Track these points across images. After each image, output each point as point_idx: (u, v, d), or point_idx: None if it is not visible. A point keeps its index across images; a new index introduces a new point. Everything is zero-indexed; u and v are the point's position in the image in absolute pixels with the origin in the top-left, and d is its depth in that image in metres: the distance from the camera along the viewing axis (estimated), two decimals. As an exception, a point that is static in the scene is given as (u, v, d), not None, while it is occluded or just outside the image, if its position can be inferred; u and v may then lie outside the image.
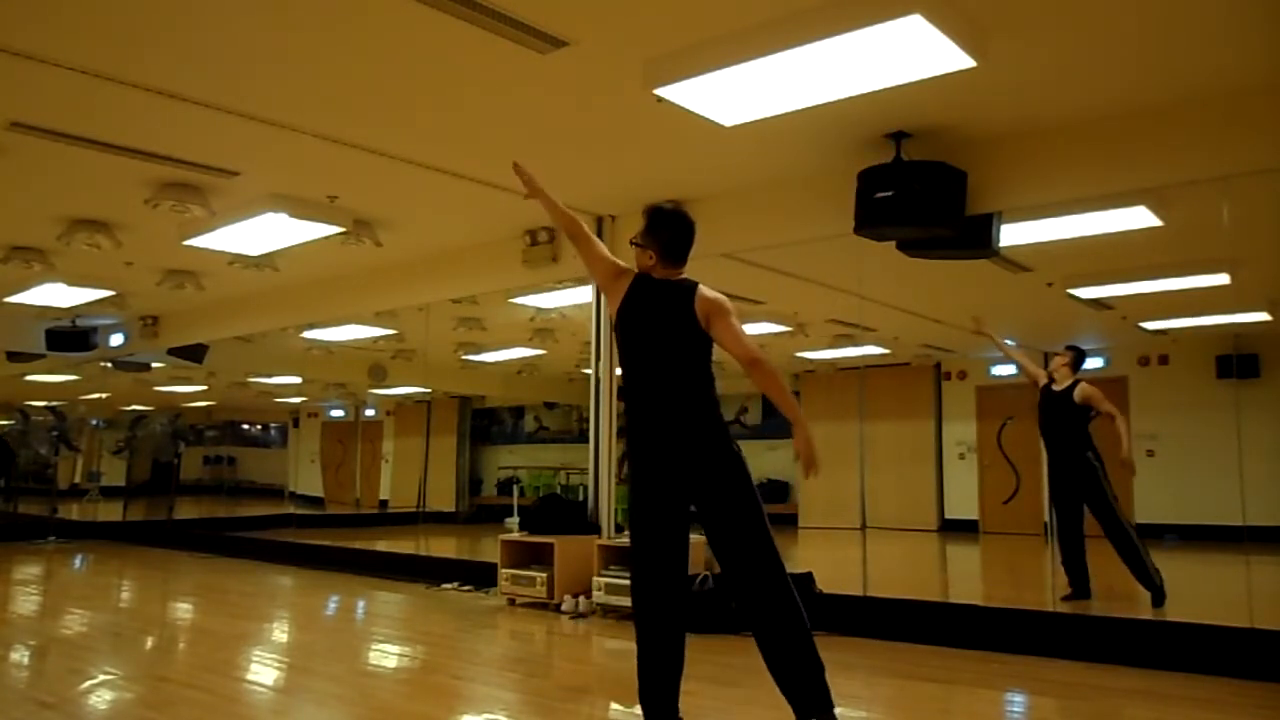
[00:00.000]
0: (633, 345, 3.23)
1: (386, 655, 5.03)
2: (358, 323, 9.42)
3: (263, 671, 4.56)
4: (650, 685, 3.06)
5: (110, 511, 13.61)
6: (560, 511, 6.42)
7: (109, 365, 11.28)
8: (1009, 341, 6.63)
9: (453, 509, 15.10)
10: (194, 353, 10.08)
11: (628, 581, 5.69)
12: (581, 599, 5.94)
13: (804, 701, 2.94)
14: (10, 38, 3.78)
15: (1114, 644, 4.53)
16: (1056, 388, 6.14)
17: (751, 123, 4.31)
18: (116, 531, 12.27)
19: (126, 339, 10.31)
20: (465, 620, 5.90)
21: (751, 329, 9.44)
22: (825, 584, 5.60)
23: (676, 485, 3.10)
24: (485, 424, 16.59)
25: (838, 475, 12.56)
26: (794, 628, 2.97)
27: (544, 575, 6.08)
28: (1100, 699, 3.99)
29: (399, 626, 6.01)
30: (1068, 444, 6.06)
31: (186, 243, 6.38)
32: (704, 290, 3.20)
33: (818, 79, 3.82)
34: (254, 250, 6.71)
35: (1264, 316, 8.33)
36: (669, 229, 3.27)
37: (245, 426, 19.57)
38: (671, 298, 3.19)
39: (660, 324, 3.18)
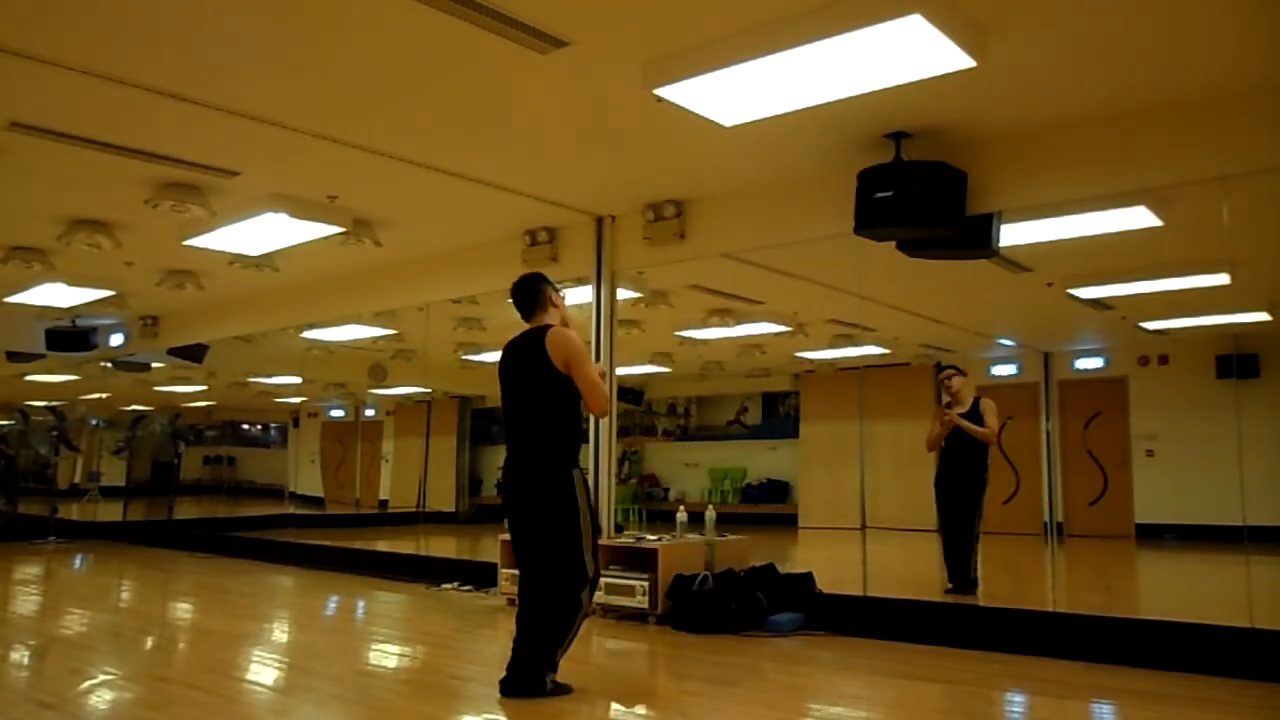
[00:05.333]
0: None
1: (386, 655, 5.03)
2: (358, 323, 9.42)
3: (263, 671, 4.56)
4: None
5: (110, 511, 13.60)
6: (560, 511, 6.41)
7: (109, 365, 11.28)
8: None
9: (453, 509, 15.10)
10: (194, 353, 10.08)
11: (629, 581, 5.72)
12: (581, 599, 5.93)
13: (516, 682, 3.74)
14: (10, 38, 3.78)
15: (1114, 644, 4.53)
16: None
17: (751, 123, 4.32)
18: (116, 531, 12.27)
19: (126, 339, 10.31)
20: (465, 620, 5.90)
21: (751, 329, 9.50)
22: (825, 584, 5.60)
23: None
24: (485, 424, 16.58)
25: (838, 475, 12.66)
26: (545, 630, 3.73)
27: (544, 575, 6.08)
28: (1100, 699, 3.99)
29: (399, 626, 6.00)
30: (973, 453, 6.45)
31: (186, 243, 6.38)
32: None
33: (818, 79, 3.82)
34: (254, 250, 6.71)
35: (1264, 316, 8.35)
36: None
37: (245, 426, 19.57)
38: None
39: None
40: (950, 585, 6.20)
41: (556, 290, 4.07)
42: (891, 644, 4.96)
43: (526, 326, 3.99)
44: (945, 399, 6.57)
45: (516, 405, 3.90)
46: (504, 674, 3.77)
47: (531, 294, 3.99)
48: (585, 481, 3.87)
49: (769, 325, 9.36)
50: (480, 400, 15.97)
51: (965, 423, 6.34)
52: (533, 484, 3.80)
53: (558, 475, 3.77)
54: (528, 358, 3.84)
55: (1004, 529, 10.48)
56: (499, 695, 3.73)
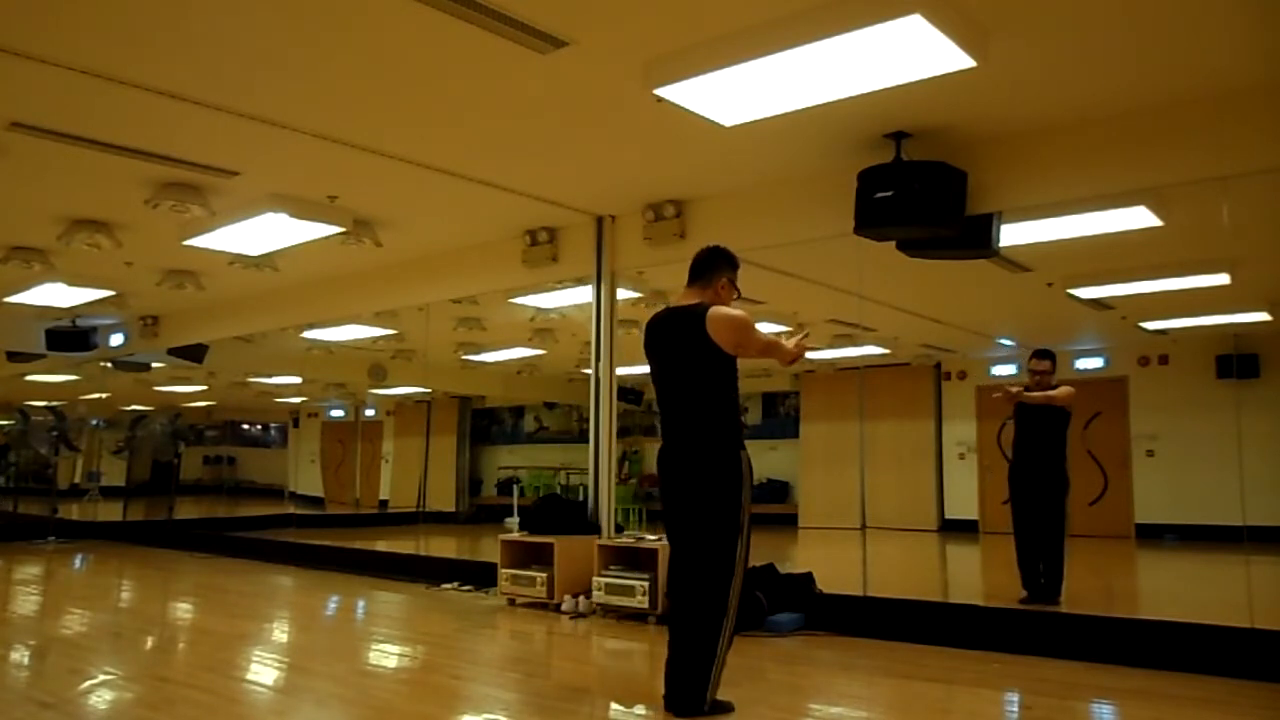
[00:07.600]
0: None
1: (386, 655, 5.03)
2: (358, 323, 9.42)
3: (263, 671, 4.56)
4: (667, 665, 3.52)
5: (110, 511, 13.60)
6: (560, 511, 6.42)
7: (109, 365, 11.28)
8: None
9: (453, 509, 15.10)
10: (194, 353, 10.08)
11: (629, 581, 5.72)
12: (581, 599, 5.94)
13: (674, 698, 3.47)
14: (10, 38, 3.78)
15: (1114, 644, 4.53)
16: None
17: (751, 123, 4.32)
18: (116, 531, 12.27)
19: (126, 339, 10.31)
20: (465, 620, 5.90)
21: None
22: (825, 584, 5.60)
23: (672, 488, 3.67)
24: (485, 424, 16.58)
25: (838, 475, 12.65)
26: (697, 638, 3.44)
27: (544, 575, 6.08)
28: (1100, 699, 3.99)
29: (399, 626, 6.00)
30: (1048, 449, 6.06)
31: (186, 243, 6.38)
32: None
33: (818, 79, 3.82)
34: (254, 250, 6.71)
35: (1264, 316, 8.34)
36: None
37: (245, 426, 19.57)
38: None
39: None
40: (1025, 594, 5.83)
41: (734, 279, 3.73)
42: (891, 644, 4.95)
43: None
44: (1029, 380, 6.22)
45: (674, 385, 3.64)
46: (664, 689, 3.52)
47: (708, 265, 3.69)
48: (751, 466, 3.56)
49: (769, 325, 9.36)
50: (480, 400, 15.97)
51: (1021, 390, 6.03)
52: (696, 466, 3.52)
53: (725, 456, 3.49)
54: (686, 336, 3.57)
55: (1004, 529, 10.48)
56: (664, 711, 3.49)
